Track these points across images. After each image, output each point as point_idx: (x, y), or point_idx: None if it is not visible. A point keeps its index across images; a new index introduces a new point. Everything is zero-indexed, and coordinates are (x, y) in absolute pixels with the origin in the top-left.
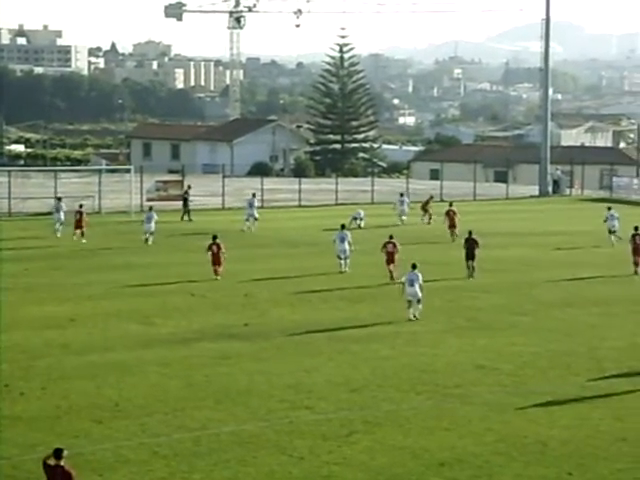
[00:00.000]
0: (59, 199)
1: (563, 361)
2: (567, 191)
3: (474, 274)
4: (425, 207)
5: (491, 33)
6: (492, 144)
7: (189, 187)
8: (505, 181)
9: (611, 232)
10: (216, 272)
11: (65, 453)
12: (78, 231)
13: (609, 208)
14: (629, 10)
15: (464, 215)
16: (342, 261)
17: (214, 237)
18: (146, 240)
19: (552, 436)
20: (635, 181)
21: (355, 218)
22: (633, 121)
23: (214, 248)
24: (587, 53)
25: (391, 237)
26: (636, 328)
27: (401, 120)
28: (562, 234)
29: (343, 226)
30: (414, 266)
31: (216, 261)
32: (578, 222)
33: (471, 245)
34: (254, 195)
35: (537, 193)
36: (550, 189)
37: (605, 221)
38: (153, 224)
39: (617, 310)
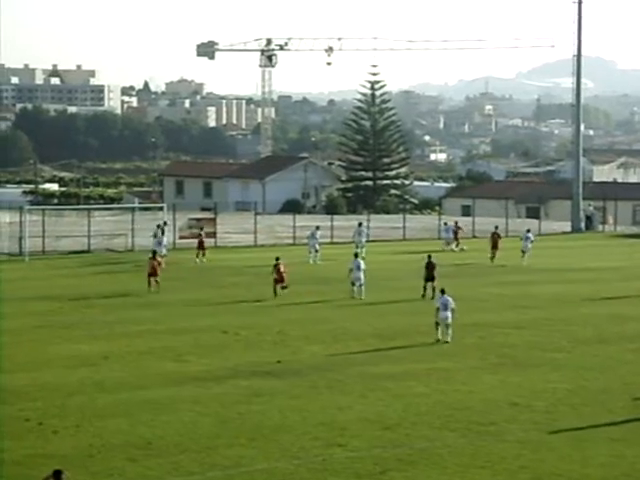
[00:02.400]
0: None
1: (597, 398)
2: (600, 227)
3: (434, 295)
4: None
5: (522, 69)
6: (524, 180)
7: (165, 223)
8: (537, 217)
9: None
10: (280, 287)
11: (64, 476)
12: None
13: None
14: None
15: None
16: (356, 288)
17: (277, 258)
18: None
19: (587, 474)
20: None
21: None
22: None
23: (279, 267)
24: (619, 88)
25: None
26: None
27: (432, 157)
28: (595, 270)
29: (356, 254)
30: (443, 291)
31: (279, 279)
32: (611, 258)
33: (431, 268)
34: (317, 228)
35: (569, 229)
36: (583, 225)
37: None
38: None
39: None
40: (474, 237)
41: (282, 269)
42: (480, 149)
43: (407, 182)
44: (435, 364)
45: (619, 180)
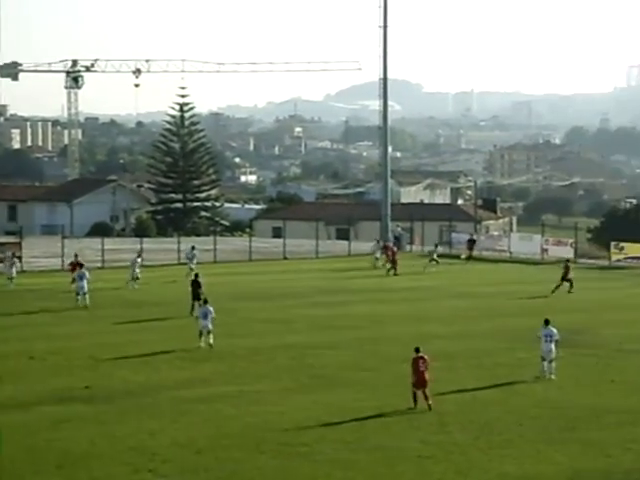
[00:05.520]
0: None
1: (406, 416)
2: (407, 247)
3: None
4: None
5: (330, 91)
6: (333, 202)
7: None
8: (347, 238)
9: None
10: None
11: None
12: None
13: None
14: (464, 69)
15: (306, 273)
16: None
17: (196, 275)
18: None
19: None
20: (474, 237)
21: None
22: (470, 178)
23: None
24: (425, 111)
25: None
26: (473, 382)
27: (243, 178)
28: (405, 290)
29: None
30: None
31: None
32: (419, 278)
33: (195, 286)
34: (193, 248)
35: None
36: (371, 245)
37: None
38: None
39: (459, 364)
40: (285, 259)
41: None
42: (290, 171)
43: (217, 204)
44: (246, 386)
45: (426, 201)
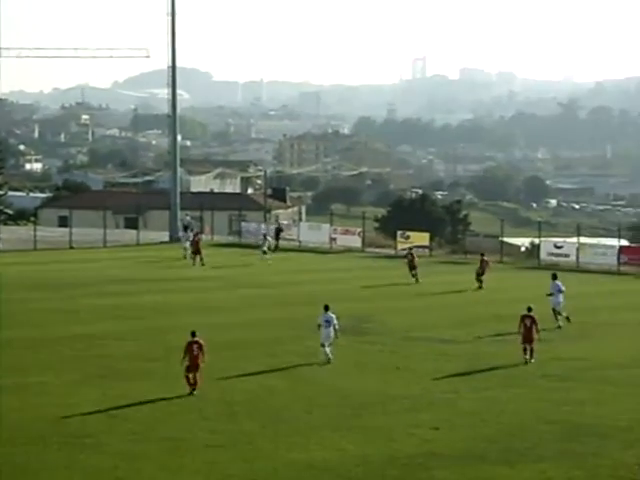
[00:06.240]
0: None
1: (195, 406)
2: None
3: None
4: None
5: (118, 79)
6: (122, 190)
7: None
8: (136, 227)
9: None
10: None
11: None
12: None
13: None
14: (253, 58)
15: (94, 262)
16: None
17: None
18: None
19: None
20: (263, 226)
21: None
22: (260, 167)
23: None
24: (214, 100)
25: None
26: (263, 371)
27: (27, 166)
28: (196, 279)
29: None
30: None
31: None
32: (210, 267)
33: None
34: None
35: (168, 239)
36: (181, 234)
37: None
38: None
39: (249, 353)
40: (71, 248)
41: None
42: (77, 159)
43: (1, 192)
44: (30, 378)
45: (216, 190)
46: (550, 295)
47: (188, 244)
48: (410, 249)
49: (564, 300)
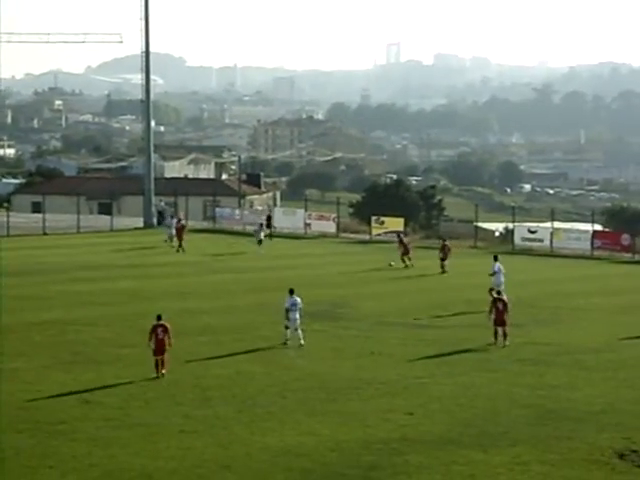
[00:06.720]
0: None
1: (169, 391)
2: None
3: None
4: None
5: (92, 64)
6: (95, 176)
7: None
8: (110, 213)
9: None
10: None
11: None
12: None
13: None
14: (227, 44)
15: (67, 248)
16: None
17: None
18: None
19: (158, 467)
20: (237, 212)
21: None
22: (234, 153)
23: None
24: (188, 85)
25: None
26: (237, 356)
27: (0, 152)
28: (169, 265)
29: None
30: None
31: None
32: (182, 253)
33: None
34: None
35: (142, 225)
36: (155, 220)
37: None
38: None
39: (223, 339)
40: (45, 234)
41: None
42: (50, 145)
43: None
44: (1, 364)
45: (190, 176)
46: (492, 275)
47: (174, 231)
48: (399, 234)
49: (504, 280)
